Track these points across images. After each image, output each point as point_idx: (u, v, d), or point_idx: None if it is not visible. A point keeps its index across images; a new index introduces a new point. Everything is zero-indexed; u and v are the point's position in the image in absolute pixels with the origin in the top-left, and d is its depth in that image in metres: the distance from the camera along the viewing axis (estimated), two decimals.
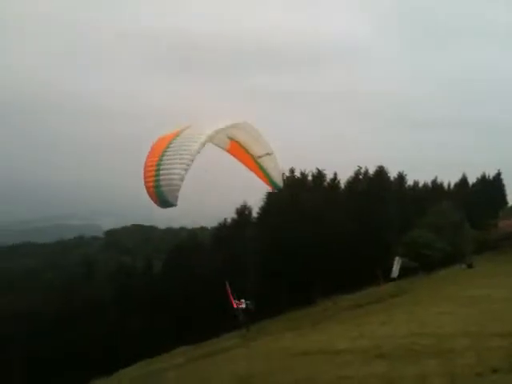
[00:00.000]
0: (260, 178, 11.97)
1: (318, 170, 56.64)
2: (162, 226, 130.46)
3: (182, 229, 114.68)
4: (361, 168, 57.17)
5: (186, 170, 9.10)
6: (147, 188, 9.22)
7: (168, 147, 9.45)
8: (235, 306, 19.50)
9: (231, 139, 11.19)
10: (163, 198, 9.12)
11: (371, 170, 56.74)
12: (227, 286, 19.77)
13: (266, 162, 11.56)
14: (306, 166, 58.58)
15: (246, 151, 11.43)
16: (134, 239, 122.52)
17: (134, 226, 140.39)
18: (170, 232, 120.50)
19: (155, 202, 9.29)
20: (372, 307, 19.12)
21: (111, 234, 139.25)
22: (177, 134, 9.83)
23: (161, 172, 9.12)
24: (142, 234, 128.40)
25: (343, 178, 56.75)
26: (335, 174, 56.71)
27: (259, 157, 11.41)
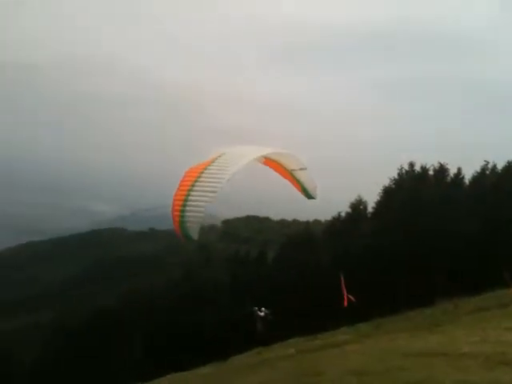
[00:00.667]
0: (295, 187, 12.60)
1: (440, 164, 53.98)
2: (275, 217, 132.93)
3: (295, 221, 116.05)
4: (488, 163, 53.51)
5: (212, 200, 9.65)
6: (174, 220, 9.93)
7: (197, 180, 9.88)
8: (351, 299, 19.26)
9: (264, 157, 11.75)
10: (186, 232, 9.84)
11: (500, 166, 52.88)
12: (342, 278, 19.58)
13: (299, 174, 12.20)
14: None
15: (280, 165, 12.11)
16: (249, 229, 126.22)
17: (248, 216, 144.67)
18: (283, 223, 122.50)
19: (178, 234, 10.03)
20: (497, 312, 17.91)
21: (227, 223, 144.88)
22: (208, 164, 10.20)
23: (187, 208, 9.72)
24: (256, 225, 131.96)
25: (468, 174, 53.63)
26: (459, 169, 53.69)
27: (293, 170, 12.06)
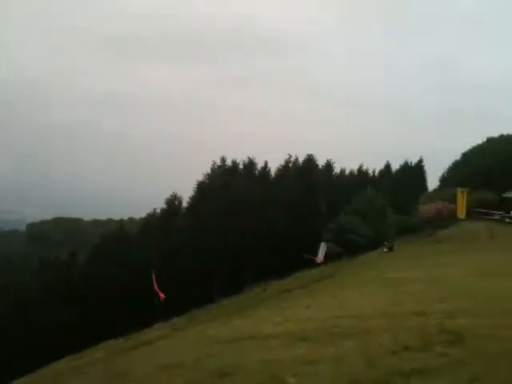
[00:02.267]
0: None
1: (249, 158, 57.55)
2: (87, 218, 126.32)
3: (110, 220, 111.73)
4: (291, 156, 58.63)
5: None
6: None
7: None
8: (161, 295, 19.05)
9: None
10: None
11: (301, 159, 58.40)
12: (153, 276, 19.26)
13: None
14: None
15: None
16: (58, 232, 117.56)
17: (56, 218, 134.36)
18: (96, 224, 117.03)
19: None
20: (298, 292, 19.50)
21: (33, 227, 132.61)
22: None
23: None
24: (66, 227, 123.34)
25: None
26: (266, 163, 57.81)
27: None
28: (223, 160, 57.49)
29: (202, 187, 55.04)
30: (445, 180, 66.91)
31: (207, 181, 56.10)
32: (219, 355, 8.11)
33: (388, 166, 70.33)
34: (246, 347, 8.38)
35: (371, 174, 69.36)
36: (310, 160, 58.77)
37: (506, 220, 43.92)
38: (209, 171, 56.74)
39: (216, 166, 57.17)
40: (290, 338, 7.93)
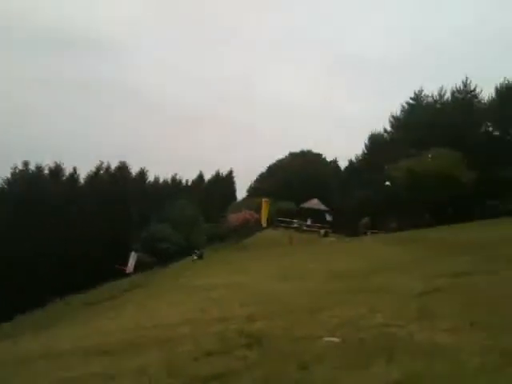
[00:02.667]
0: None
1: (55, 163, 53.82)
2: None
3: None
4: (103, 163, 56.32)
5: None
6: None
7: None
8: None
9: None
10: None
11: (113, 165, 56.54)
12: None
13: None
14: None
15: None
16: None
17: None
18: None
19: None
20: (105, 304, 18.66)
21: None
22: None
23: None
24: None
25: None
26: (74, 169, 54.62)
27: None
28: (25, 164, 52.74)
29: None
30: (252, 190, 70.91)
31: (6, 187, 50.99)
32: (9, 378, 7.22)
33: (201, 176, 72.01)
34: (40, 366, 7.62)
35: (184, 183, 70.26)
36: (122, 167, 57.22)
37: (303, 228, 48.44)
38: (9, 176, 51.63)
39: (17, 171, 52.27)
40: (90, 352, 7.44)
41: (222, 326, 7.03)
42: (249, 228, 42.01)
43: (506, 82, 41.04)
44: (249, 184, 75.03)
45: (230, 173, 72.91)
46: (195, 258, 32.77)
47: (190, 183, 70.70)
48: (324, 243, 34.20)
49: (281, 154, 73.61)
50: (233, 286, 13.16)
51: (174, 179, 68.86)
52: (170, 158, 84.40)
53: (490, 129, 44.57)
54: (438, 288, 8.37)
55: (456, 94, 47.13)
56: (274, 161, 72.17)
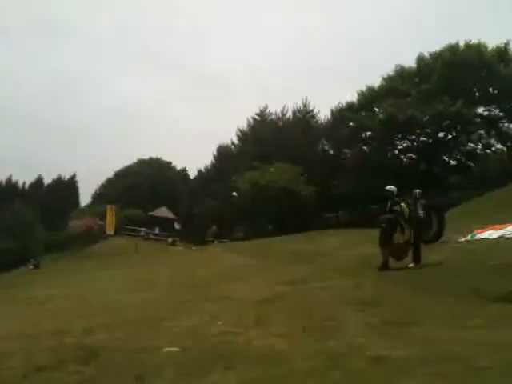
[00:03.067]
0: None
1: None
2: None
3: None
4: None
5: None
6: None
7: None
8: None
9: None
10: None
11: None
12: None
13: None
14: None
15: None
16: None
17: None
18: None
19: None
20: None
21: None
22: None
23: None
24: None
25: None
26: None
27: None
28: None
29: None
30: (98, 196, 68.16)
31: None
32: None
33: (40, 180, 67.04)
34: None
35: (21, 186, 64.79)
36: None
37: (151, 236, 47.75)
38: None
39: None
40: None
41: (56, 340, 6.60)
42: (93, 236, 40.26)
43: (340, 105, 45.15)
44: (94, 190, 71.91)
45: (73, 177, 69.14)
46: (31, 267, 30.45)
47: (27, 187, 65.44)
48: (171, 252, 34.03)
49: (129, 160, 71.78)
50: (71, 296, 12.44)
51: (8, 182, 63.16)
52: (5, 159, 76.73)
53: (326, 147, 48.69)
54: (278, 295, 8.87)
55: (297, 114, 50.80)
56: (121, 167, 70.10)
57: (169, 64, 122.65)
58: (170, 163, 71.05)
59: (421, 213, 11.13)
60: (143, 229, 48.55)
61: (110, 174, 70.60)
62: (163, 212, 54.80)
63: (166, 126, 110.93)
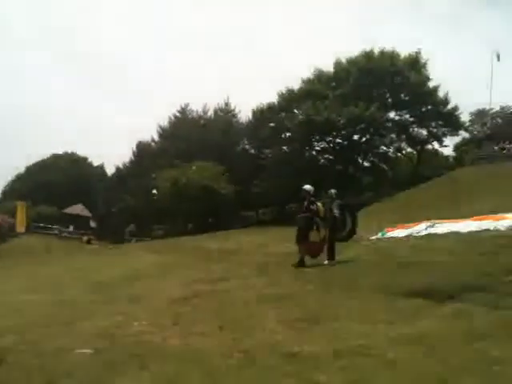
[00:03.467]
0: None
1: None
2: None
3: None
4: None
5: None
6: None
7: None
8: None
9: None
10: None
11: None
12: None
13: None
14: None
15: None
16: None
17: None
18: None
19: None
20: None
21: None
22: None
23: None
24: None
25: None
26: None
27: None
28: None
29: None
30: (7, 192, 64.46)
31: None
32: None
33: None
34: None
35: None
36: None
37: (65, 234, 45.73)
38: None
39: None
40: None
41: None
42: (1, 234, 37.93)
43: (261, 105, 45.63)
44: (3, 185, 67.71)
45: None
46: None
47: None
48: (86, 251, 32.75)
49: (43, 154, 67.83)
50: None
51: None
52: None
53: (247, 147, 49.12)
54: (195, 294, 8.79)
55: (218, 112, 50.78)
56: (33, 161, 66.32)
57: (83, 54, 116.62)
58: (86, 159, 68.29)
59: (336, 212, 11.51)
60: (57, 227, 46.34)
61: (21, 170, 66.72)
62: (78, 209, 52.68)
63: (81, 120, 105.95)
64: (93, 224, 52.02)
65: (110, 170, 64.95)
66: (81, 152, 68.17)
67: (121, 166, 58.57)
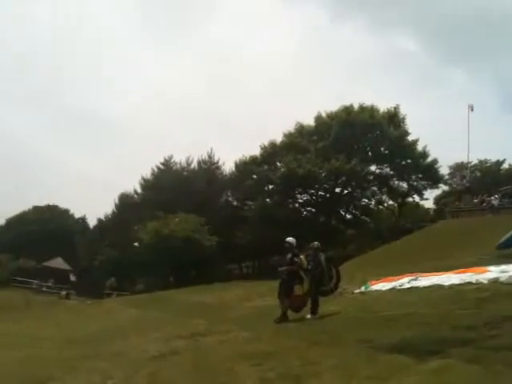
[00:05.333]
0: None
1: None
2: None
3: None
4: None
5: None
6: None
7: None
8: None
9: None
10: None
11: None
12: None
13: None
14: None
15: None
16: None
17: None
18: None
19: None
20: None
21: None
22: None
23: None
24: None
25: None
26: None
27: None
28: None
29: None
30: None
31: None
32: None
33: None
34: None
35: None
36: None
37: (43, 289, 44.51)
38: None
39: None
40: None
41: None
42: None
43: (244, 158, 46.13)
44: None
45: None
46: None
47: None
48: (64, 306, 31.80)
49: (23, 207, 66.89)
50: None
51: None
52: None
53: (230, 198, 49.27)
54: (174, 351, 8.54)
55: (202, 165, 51.13)
56: (13, 214, 65.29)
57: (65, 109, 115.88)
58: (67, 211, 67.58)
59: (323, 265, 11.42)
60: (35, 281, 45.08)
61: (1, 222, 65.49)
62: (58, 263, 51.53)
63: (64, 173, 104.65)
64: (72, 278, 50.77)
65: (92, 222, 64.26)
66: (63, 204, 67.58)
67: (103, 217, 58.02)
